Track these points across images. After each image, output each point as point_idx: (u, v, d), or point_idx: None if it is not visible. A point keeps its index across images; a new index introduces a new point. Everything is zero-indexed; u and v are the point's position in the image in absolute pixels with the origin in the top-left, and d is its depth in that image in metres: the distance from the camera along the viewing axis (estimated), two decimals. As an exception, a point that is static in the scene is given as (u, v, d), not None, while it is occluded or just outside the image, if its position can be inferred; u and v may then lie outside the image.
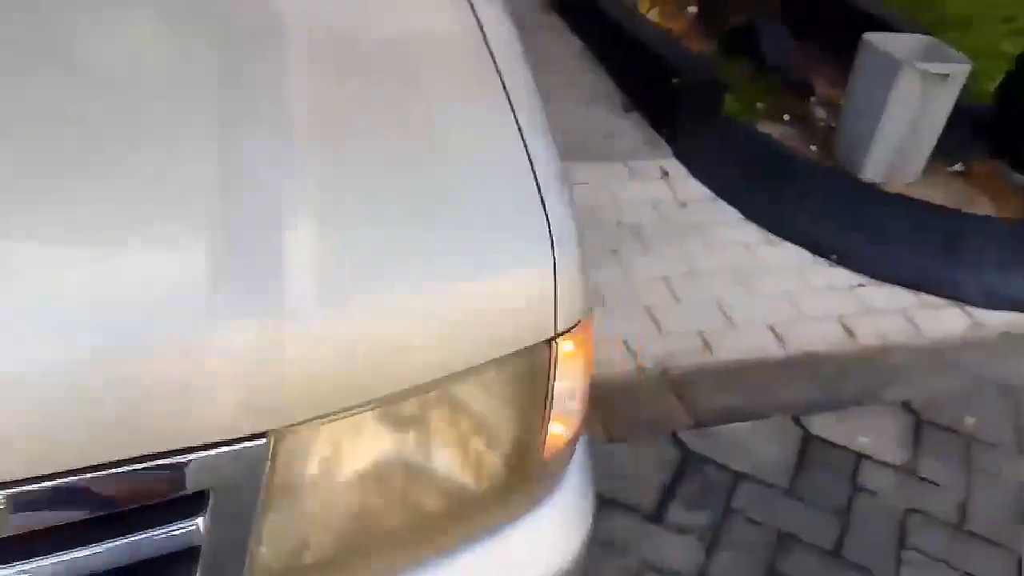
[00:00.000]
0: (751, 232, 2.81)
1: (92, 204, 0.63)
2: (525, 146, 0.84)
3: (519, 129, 0.85)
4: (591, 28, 3.61)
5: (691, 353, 2.33)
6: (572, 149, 3.07)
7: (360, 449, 0.74)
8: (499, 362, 0.76)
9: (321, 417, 0.68)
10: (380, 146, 0.77)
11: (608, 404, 2.14)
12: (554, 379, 0.82)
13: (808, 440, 2.11)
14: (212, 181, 0.67)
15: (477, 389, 0.78)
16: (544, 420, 0.84)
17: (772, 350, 2.39)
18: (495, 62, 0.90)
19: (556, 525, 0.92)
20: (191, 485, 0.63)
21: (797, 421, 2.16)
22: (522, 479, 0.85)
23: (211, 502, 0.64)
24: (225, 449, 0.63)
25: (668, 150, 3.07)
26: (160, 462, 0.61)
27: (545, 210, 0.80)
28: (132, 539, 0.62)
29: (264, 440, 0.65)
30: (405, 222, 0.73)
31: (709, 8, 3.56)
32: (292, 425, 0.67)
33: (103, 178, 0.65)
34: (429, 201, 0.75)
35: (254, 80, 0.76)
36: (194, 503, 0.64)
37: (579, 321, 0.82)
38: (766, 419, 2.16)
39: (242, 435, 0.64)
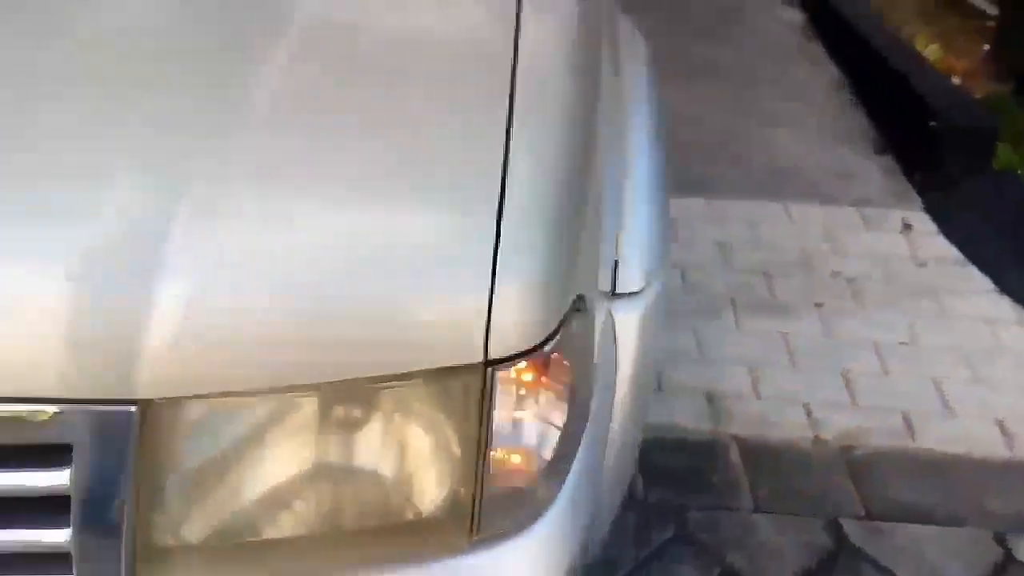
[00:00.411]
0: (1002, 307, 2.37)
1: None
2: (505, 160, 0.76)
3: (506, 142, 0.77)
4: (851, 58, 3.28)
5: (886, 434, 2.01)
6: (795, 186, 2.83)
7: (256, 437, 0.72)
8: (412, 378, 0.70)
9: (201, 397, 0.67)
10: (340, 135, 0.75)
11: (765, 470, 1.91)
12: (492, 409, 0.74)
13: (1008, 564, 1.72)
14: (142, 152, 0.69)
15: (388, 401, 0.73)
16: (481, 453, 0.75)
17: (993, 448, 1.99)
18: (514, 68, 0.83)
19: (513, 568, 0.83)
20: (53, 435, 0.65)
21: (1000, 540, 1.77)
22: (453, 511, 0.78)
23: (75, 456, 0.66)
24: (86, 407, 0.64)
25: (917, 201, 2.68)
26: (26, 406, 0.64)
27: (498, 232, 0.72)
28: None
29: (133, 408, 0.65)
30: (327, 216, 0.70)
31: (1005, 45, 3.06)
32: (167, 399, 0.66)
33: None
34: (360, 199, 0.71)
35: (239, 64, 0.77)
36: (66, 457, 0.66)
37: (535, 351, 0.73)
38: (959, 528, 1.80)
39: (106, 398, 0.65)
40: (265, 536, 0.75)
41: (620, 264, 1.09)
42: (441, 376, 0.71)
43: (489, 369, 0.72)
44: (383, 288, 0.68)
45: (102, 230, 0.65)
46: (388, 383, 0.70)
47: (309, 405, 0.71)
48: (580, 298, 0.81)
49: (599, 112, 0.99)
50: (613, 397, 1.06)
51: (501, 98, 0.81)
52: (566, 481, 0.86)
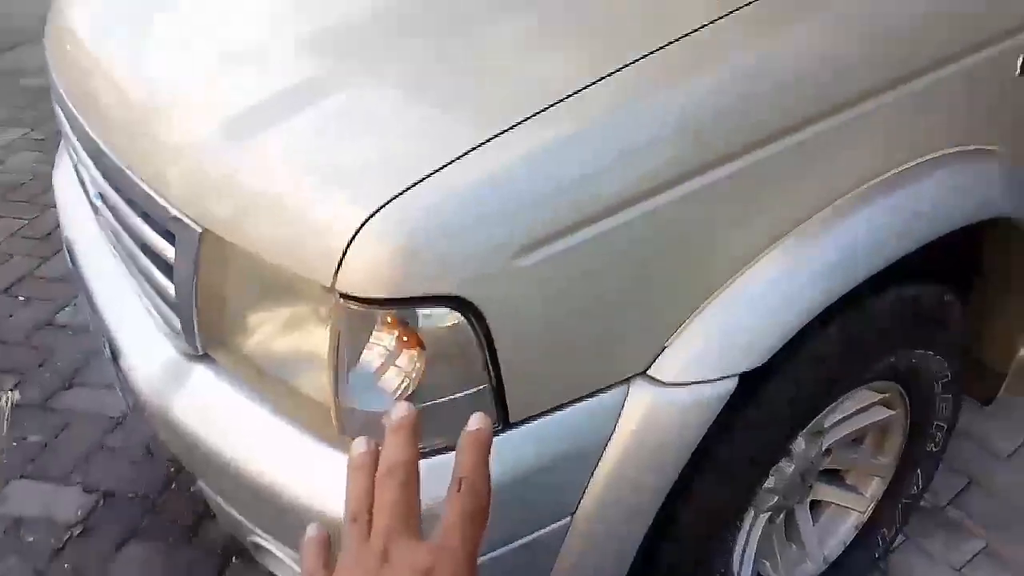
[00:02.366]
0: None
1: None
2: (482, 142, 0.95)
3: (499, 133, 0.95)
4: None
5: None
6: None
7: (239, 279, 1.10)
8: (289, 275, 0.99)
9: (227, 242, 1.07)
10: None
11: None
12: (342, 333, 0.96)
13: None
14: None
15: (291, 291, 1.02)
16: (332, 370, 0.98)
17: None
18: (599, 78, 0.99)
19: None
20: (168, 225, 1.13)
21: None
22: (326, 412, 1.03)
23: (176, 244, 1.13)
24: (179, 215, 1.11)
25: None
26: (157, 198, 1.15)
27: (406, 191, 0.92)
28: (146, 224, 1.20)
29: (200, 230, 1.09)
30: (326, 122, 1.05)
31: None
32: (211, 233, 1.08)
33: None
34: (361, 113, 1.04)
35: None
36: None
37: (380, 305, 0.93)
38: None
39: (188, 216, 1.10)
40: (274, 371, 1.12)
41: (669, 348, 1.08)
42: (306, 283, 0.97)
43: (342, 299, 0.94)
44: (304, 191, 0.98)
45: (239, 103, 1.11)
46: (279, 271, 0.99)
47: (271, 276, 1.04)
48: (462, 301, 0.94)
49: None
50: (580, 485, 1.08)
51: (571, 78, 0.99)
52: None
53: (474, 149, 0.96)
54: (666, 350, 1.09)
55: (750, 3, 1.07)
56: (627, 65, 1.01)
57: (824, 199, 1.14)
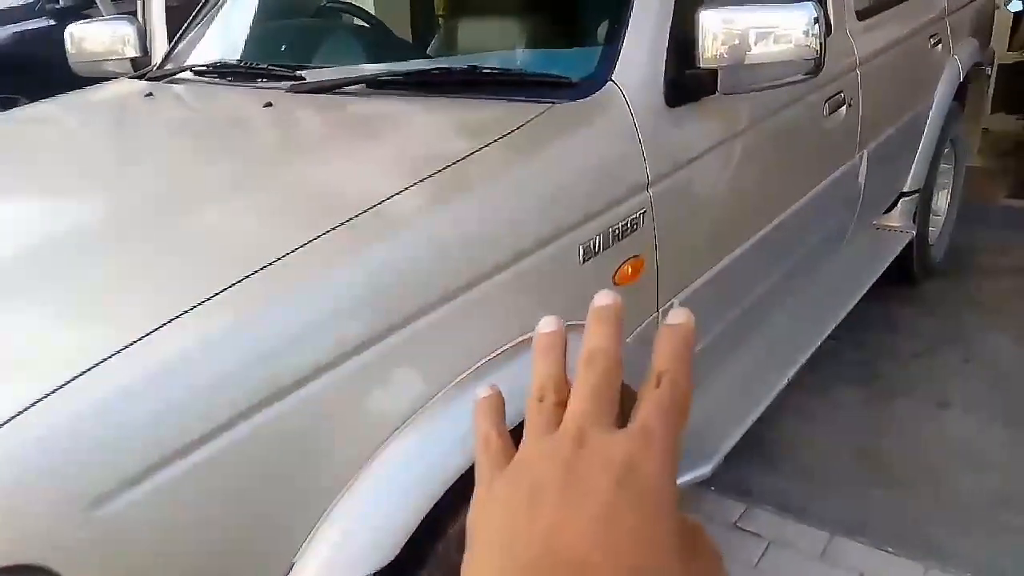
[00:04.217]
0: None
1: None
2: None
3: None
4: None
5: None
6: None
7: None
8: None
9: None
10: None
11: None
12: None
13: None
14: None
15: None
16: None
17: None
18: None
19: None
20: None
21: None
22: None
23: None
24: None
25: None
26: None
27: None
28: None
29: None
30: None
31: None
32: None
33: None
34: None
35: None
36: None
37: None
38: None
39: None
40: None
41: (298, 564, 1.06)
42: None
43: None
44: None
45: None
46: None
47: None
48: (37, 569, 0.86)
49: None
50: None
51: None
52: None
53: (40, 400, 0.91)
54: (295, 567, 1.06)
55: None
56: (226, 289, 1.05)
57: (447, 379, 1.21)
